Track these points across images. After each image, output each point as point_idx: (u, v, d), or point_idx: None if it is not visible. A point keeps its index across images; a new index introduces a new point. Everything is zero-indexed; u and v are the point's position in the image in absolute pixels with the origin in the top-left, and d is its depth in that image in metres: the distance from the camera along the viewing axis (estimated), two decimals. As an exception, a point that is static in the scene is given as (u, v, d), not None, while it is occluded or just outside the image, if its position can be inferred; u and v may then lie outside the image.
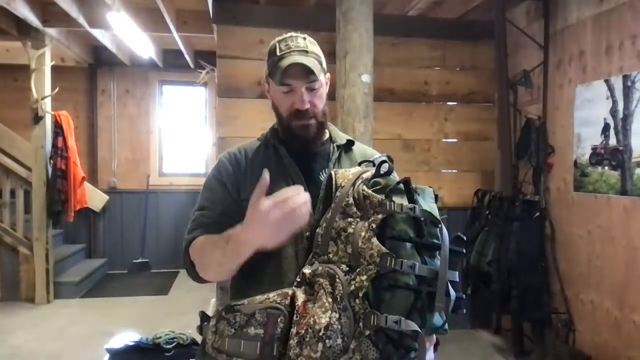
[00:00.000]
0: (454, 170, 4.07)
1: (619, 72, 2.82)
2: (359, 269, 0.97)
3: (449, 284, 0.96)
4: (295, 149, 1.28)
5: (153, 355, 2.77)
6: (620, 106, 2.80)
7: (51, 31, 4.54)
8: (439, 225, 1.00)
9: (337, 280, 0.97)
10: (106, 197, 6.03)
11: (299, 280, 1.05)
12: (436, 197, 1.08)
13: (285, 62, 1.19)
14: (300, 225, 1.00)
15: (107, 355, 2.84)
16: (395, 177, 1.09)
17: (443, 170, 4.04)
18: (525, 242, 3.31)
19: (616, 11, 2.85)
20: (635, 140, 2.72)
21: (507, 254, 3.33)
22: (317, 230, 1.08)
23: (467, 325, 4.01)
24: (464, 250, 1.04)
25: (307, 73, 1.20)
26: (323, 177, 1.22)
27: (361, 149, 1.38)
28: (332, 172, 1.12)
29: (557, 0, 3.36)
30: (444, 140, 4.04)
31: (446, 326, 0.98)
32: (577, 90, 3.15)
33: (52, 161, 4.73)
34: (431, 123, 4.01)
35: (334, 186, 1.09)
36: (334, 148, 1.31)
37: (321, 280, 0.99)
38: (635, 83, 2.70)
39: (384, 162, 1.07)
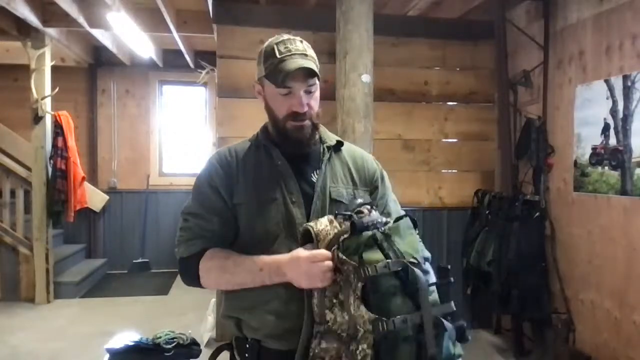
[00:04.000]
0: (454, 170, 4.07)
1: (619, 72, 2.82)
2: (359, 337, 0.99)
3: (444, 318, 0.99)
4: (288, 150, 1.28)
5: (153, 355, 2.77)
6: (620, 106, 2.80)
7: (51, 31, 4.54)
8: (415, 264, 1.03)
9: (344, 356, 1.01)
10: (106, 197, 6.03)
11: (312, 355, 1.08)
12: (414, 223, 1.11)
13: (290, 65, 1.18)
14: (324, 285, 1.07)
15: (107, 355, 2.84)
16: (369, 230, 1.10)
17: (443, 170, 4.04)
18: (525, 242, 3.31)
19: (616, 11, 2.85)
20: (635, 140, 2.72)
21: (507, 254, 3.32)
22: (313, 300, 1.11)
23: (467, 325, 3.98)
24: (452, 280, 1.07)
25: (307, 76, 1.21)
26: (315, 177, 1.26)
27: (350, 150, 1.39)
28: (310, 228, 1.12)
29: (557, 0, 3.35)
30: (444, 140, 4.04)
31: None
32: (577, 90, 3.15)
33: (52, 161, 4.73)
34: (431, 123, 4.01)
35: (314, 240, 1.11)
36: (324, 149, 1.32)
37: (326, 354, 1.04)
38: (635, 83, 2.70)
39: (357, 212, 1.10)
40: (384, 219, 1.10)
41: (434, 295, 1.07)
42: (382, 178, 1.38)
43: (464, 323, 1.01)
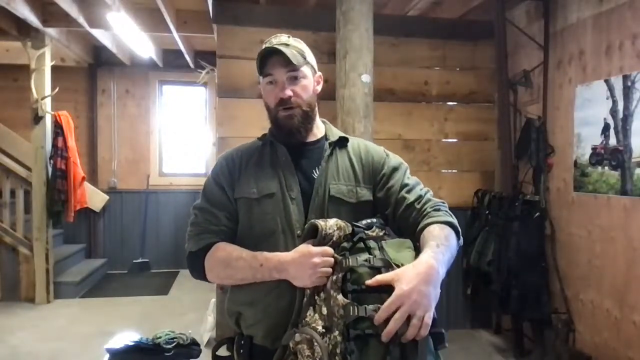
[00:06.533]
0: (454, 170, 4.07)
1: (619, 72, 2.82)
2: (333, 327, 0.99)
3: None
4: (284, 141, 1.31)
5: (153, 355, 2.77)
6: (620, 106, 2.80)
7: (51, 31, 4.54)
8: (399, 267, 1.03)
9: (315, 343, 1.00)
10: (106, 197, 6.03)
11: (287, 353, 1.09)
12: (415, 246, 1.13)
13: (265, 51, 1.25)
14: (322, 282, 1.07)
15: (107, 355, 2.84)
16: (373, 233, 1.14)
17: (443, 170, 4.04)
18: (525, 242, 3.31)
19: (616, 11, 2.85)
20: (635, 140, 2.72)
21: (507, 254, 3.32)
22: (304, 300, 1.11)
23: (467, 325, 4.01)
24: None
25: (287, 63, 1.24)
26: (316, 174, 1.28)
27: (356, 145, 1.38)
28: (319, 225, 1.10)
29: (557, 0, 3.36)
30: (444, 140, 4.04)
31: None
32: (577, 90, 3.15)
33: (52, 161, 4.73)
34: (431, 123, 4.01)
35: (320, 235, 1.10)
36: (327, 145, 1.34)
37: (299, 347, 1.03)
38: (635, 83, 2.70)
39: (367, 227, 1.12)
40: (387, 238, 1.14)
41: None
42: (395, 169, 1.32)
43: (443, 330, 0.99)
